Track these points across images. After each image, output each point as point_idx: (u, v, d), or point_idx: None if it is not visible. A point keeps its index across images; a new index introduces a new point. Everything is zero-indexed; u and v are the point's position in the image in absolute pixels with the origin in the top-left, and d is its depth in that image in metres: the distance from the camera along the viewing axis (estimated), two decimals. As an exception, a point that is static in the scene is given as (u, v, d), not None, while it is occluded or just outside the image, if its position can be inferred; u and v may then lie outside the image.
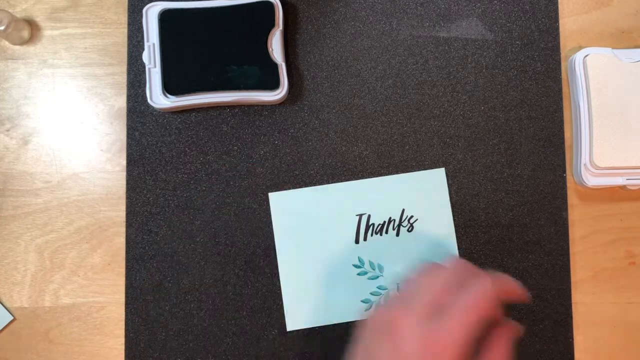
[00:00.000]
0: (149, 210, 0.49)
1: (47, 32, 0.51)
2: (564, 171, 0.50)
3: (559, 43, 0.51)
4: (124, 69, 0.50)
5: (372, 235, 0.49)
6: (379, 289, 0.48)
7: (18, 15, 0.50)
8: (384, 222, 0.49)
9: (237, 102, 0.49)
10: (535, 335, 0.48)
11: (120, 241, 0.49)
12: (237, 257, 0.49)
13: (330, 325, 0.48)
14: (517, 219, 0.49)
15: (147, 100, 0.48)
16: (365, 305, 0.48)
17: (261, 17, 0.48)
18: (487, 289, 0.34)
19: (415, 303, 0.34)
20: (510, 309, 0.48)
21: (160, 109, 0.49)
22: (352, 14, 0.51)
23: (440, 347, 0.32)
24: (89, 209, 0.49)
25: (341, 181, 0.49)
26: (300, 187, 0.49)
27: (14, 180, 0.49)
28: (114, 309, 0.49)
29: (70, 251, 0.49)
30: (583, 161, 0.48)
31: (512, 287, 0.37)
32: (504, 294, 0.36)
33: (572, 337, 0.48)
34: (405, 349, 0.33)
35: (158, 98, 0.48)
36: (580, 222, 0.50)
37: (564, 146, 0.50)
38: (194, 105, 0.49)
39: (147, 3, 0.49)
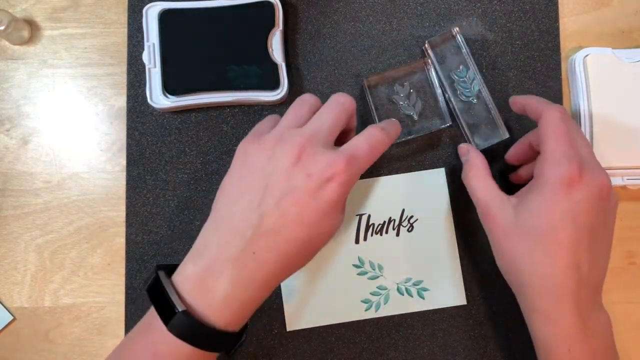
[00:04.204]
0: (149, 210, 0.49)
1: (47, 32, 0.51)
2: (564, 171, 0.49)
3: (559, 43, 0.51)
4: (124, 69, 0.50)
5: (372, 235, 0.49)
6: (379, 289, 0.48)
7: (18, 15, 0.50)
8: (384, 222, 0.49)
9: (237, 102, 0.49)
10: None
11: (120, 241, 0.49)
12: (237, 257, 0.49)
13: (330, 325, 0.48)
14: (517, 219, 0.49)
15: (147, 100, 0.48)
16: (365, 305, 0.48)
17: (261, 17, 0.48)
18: (340, 99, 0.41)
19: (282, 123, 0.41)
20: (509, 309, 0.48)
21: (160, 109, 0.49)
22: (352, 14, 0.51)
23: (293, 141, 0.38)
24: (89, 209, 0.49)
25: (341, 181, 0.49)
26: (300, 187, 0.49)
27: (14, 180, 0.49)
28: (114, 309, 0.49)
29: (70, 251, 0.49)
30: (583, 161, 0.48)
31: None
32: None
33: (572, 337, 0.48)
34: (255, 162, 0.39)
35: (158, 98, 0.48)
36: (580, 222, 0.50)
37: (564, 146, 0.50)
38: (194, 105, 0.49)
39: (147, 3, 0.49)
